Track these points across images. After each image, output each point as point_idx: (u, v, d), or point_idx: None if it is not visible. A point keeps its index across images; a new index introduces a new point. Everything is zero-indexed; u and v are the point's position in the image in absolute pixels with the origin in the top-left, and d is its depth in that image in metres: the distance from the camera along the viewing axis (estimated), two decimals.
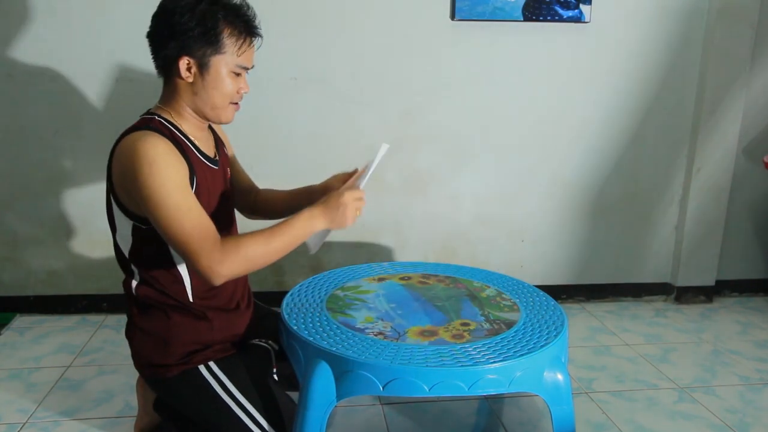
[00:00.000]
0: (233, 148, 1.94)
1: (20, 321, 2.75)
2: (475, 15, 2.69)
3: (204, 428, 1.67)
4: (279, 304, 1.79)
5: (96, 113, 2.63)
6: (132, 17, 2.55)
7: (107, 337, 2.60)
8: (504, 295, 1.87)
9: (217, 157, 1.71)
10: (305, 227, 1.54)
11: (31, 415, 2.03)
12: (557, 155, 2.93)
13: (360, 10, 2.66)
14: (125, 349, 2.46)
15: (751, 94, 2.99)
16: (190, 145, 1.58)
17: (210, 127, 1.72)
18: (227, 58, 1.53)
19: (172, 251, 1.56)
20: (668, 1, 2.82)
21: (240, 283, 1.74)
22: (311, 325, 1.62)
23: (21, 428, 1.96)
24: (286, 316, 1.67)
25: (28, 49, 2.55)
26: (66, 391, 2.18)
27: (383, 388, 1.41)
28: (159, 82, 2.60)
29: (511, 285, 1.97)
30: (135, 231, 1.54)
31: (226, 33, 1.51)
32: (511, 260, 3.03)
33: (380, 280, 2.00)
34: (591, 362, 2.49)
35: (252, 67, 1.61)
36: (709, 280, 3.14)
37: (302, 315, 1.68)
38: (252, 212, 1.96)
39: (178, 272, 1.59)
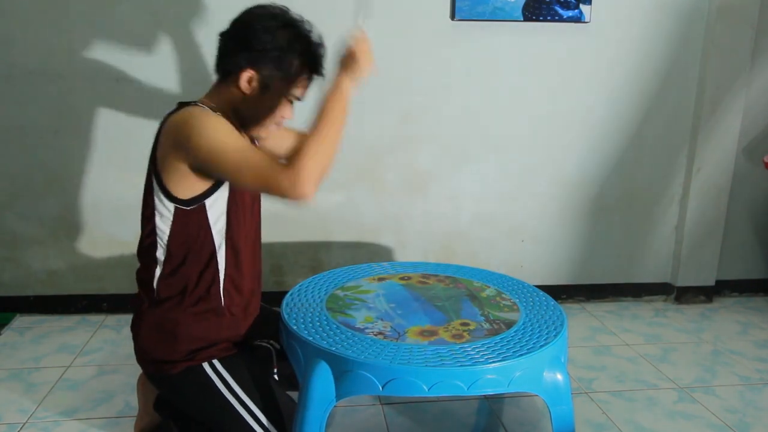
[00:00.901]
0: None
1: (20, 321, 2.75)
2: (475, 15, 2.69)
3: (206, 426, 1.67)
4: (279, 304, 1.79)
5: (96, 113, 2.63)
6: (132, 17, 2.55)
7: (107, 337, 2.61)
8: (504, 295, 1.87)
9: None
10: (339, 98, 1.51)
11: (31, 415, 2.03)
12: (557, 155, 2.93)
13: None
14: (125, 349, 2.48)
15: (751, 94, 2.99)
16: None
17: None
18: (290, 86, 1.60)
19: (214, 233, 1.60)
20: (668, 1, 2.82)
21: (256, 280, 1.76)
22: (311, 324, 1.62)
23: (21, 428, 1.96)
24: (286, 316, 1.67)
25: (28, 49, 2.55)
26: (66, 391, 2.18)
27: (383, 387, 1.41)
28: (159, 83, 2.63)
29: (511, 285, 1.97)
30: (177, 214, 1.57)
31: (297, 63, 1.59)
32: (511, 260, 3.03)
33: (380, 280, 2.00)
34: (591, 362, 2.49)
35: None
36: (709, 280, 3.14)
37: (302, 315, 1.68)
38: None
39: (216, 257, 1.62)
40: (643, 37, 2.84)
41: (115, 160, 2.69)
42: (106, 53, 2.58)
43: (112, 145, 2.67)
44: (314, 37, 1.63)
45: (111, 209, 2.72)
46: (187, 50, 2.61)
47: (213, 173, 1.52)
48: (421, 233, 2.94)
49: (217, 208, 1.59)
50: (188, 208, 1.56)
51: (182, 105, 1.62)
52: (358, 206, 2.86)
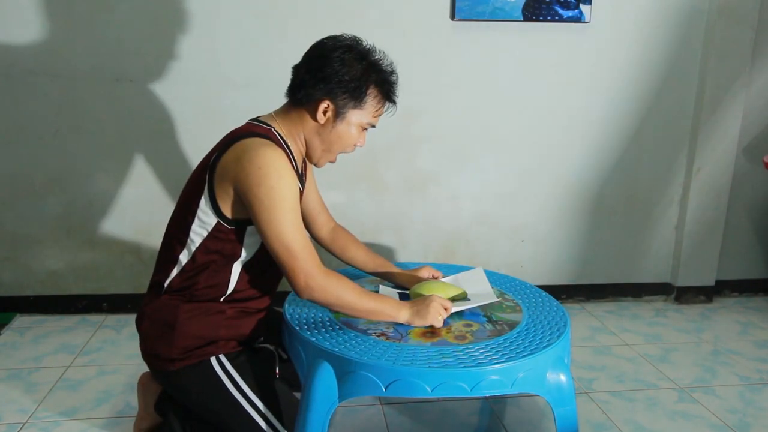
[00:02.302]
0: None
1: (20, 321, 2.75)
2: (475, 15, 2.69)
3: (210, 423, 1.67)
4: (281, 304, 1.79)
5: (96, 113, 2.63)
6: (132, 17, 2.55)
7: (107, 337, 2.60)
8: (506, 296, 1.87)
9: (304, 178, 1.80)
10: (390, 313, 1.62)
11: (31, 415, 2.03)
12: (557, 155, 2.93)
13: (360, 11, 2.65)
14: (125, 349, 2.48)
15: (751, 94, 3.00)
16: (293, 161, 1.66)
17: None
18: (363, 114, 1.64)
19: (242, 252, 1.62)
20: (668, 2, 2.82)
21: (269, 300, 1.77)
22: (313, 325, 1.62)
23: (21, 428, 1.96)
24: (288, 317, 1.66)
25: (28, 49, 2.54)
26: (66, 391, 2.18)
27: (385, 389, 1.41)
28: (159, 83, 2.62)
29: (513, 285, 1.97)
30: (216, 228, 1.59)
31: (372, 93, 1.63)
32: (511, 260, 3.03)
33: (384, 279, 2.00)
34: (591, 362, 2.49)
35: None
36: (709, 280, 3.15)
37: (305, 315, 1.68)
38: (318, 241, 2.02)
39: (230, 273, 1.63)
40: (643, 37, 2.84)
41: (115, 160, 2.68)
42: (106, 53, 2.58)
43: (112, 145, 2.67)
44: (387, 65, 1.67)
45: (111, 209, 2.72)
46: (186, 49, 2.60)
47: (255, 223, 1.53)
48: (421, 233, 2.94)
49: (256, 235, 1.60)
50: (229, 227, 1.59)
51: (256, 125, 1.64)
52: (359, 206, 2.86)
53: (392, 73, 1.67)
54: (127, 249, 2.77)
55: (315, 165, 1.74)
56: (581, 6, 2.74)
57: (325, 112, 1.62)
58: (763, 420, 2.10)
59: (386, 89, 1.66)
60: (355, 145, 1.69)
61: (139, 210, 2.72)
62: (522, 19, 2.71)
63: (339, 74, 1.58)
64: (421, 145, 2.84)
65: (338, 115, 1.62)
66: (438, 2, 2.69)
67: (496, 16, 2.69)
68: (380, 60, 1.65)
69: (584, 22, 2.76)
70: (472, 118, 2.84)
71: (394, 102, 1.70)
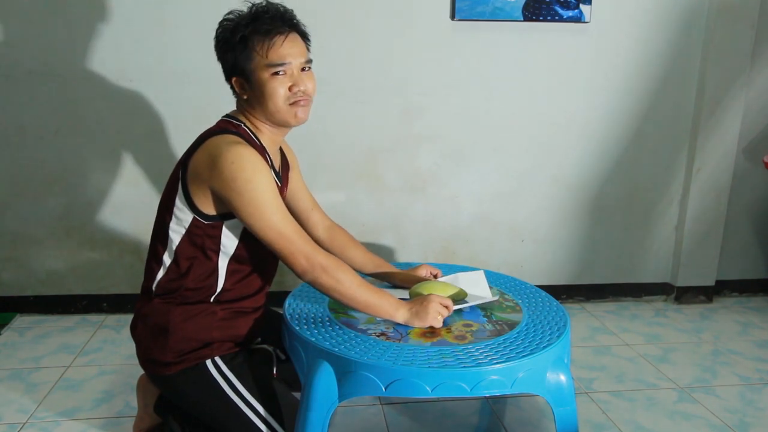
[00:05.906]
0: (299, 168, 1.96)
1: (20, 321, 2.75)
2: (475, 15, 2.69)
3: (208, 425, 1.67)
4: (280, 305, 1.79)
5: (96, 113, 2.63)
6: (132, 17, 2.55)
7: (107, 337, 2.60)
8: (506, 296, 1.87)
9: (282, 175, 1.79)
10: (388, 310, 1.60)
11: (31, 415, 2.03)
12: (557, 155, 2.93)
13: (360, 10, 2.65)
14: (125, 349, 2.48)
15: (751, 94, 3.00)
16: (268, 157, 1.65)
17: (280, 148, 1.79)
18: (258, 61, 1.57)
19: (223, 247, 1.61)
20: (668, 1, 2.82)
21: (261, 298, 1.76)
22: (313, 325, 1.62)
23: (21, 428, 1.96)
24: (288, 317, 1.66)
25: (28, 49, 2.54)
26: (66, 391, 2.18)
27: (385, 388, 1.41)
28: (158, 83, 2.63)
29: (513, 285, 1.97)
30: (193, 224, 1.58)
31: (252, 39, 1.56)
32: (511, 260, 3.03)
33: (381, 280, 2.00)
34: (591, 362, 2.49)
35: (310, 61, 1.63)
36: (709, 280, 3.15)
37: (304, 315, 1.68)
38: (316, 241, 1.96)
39: (217, 271, 1.62)
40: (643, 37, 2.84)
41: (115, 160, 2.68)
42: (106, 53, 2.58)
43: (112, 145, 2.67)
44: (255, 6, 1.59)
45: (111, 209, 2.72)
46: (186, 49, 2.60)
47: (241, 219, 1.53)
48: (421, 233, 2.94)
49: (235, 229, 1.60)
50: (206, 223, 1.58)
51: (228, 122, 1.64)
52: (358, 206, 2.86)
53: (271, 7, 1.59)
54: (127, 249, 2.77)
55: (295, 123, 1.65)
56: (581, 6, 2.74)
57: (241, 86, 1.61)
58: (763, 420, 2.10)
59: (263, 24, 1.56)
60: (291, 88, 1.58)
61: (139, 210, 2.72)
62: (522, 19, 2.71)
63: (222, 50, 1.61)
64: (421, 145, 2.84)
65: (247, 80, 1.59)
66: (438, 2, 2.69)
67: (496, 16, 2.69)
68: (249, 6, 1.59)
69: (584, 22, 2.76)
70: (471, 118, 2.84)
71: (279, 30, 1.57)
